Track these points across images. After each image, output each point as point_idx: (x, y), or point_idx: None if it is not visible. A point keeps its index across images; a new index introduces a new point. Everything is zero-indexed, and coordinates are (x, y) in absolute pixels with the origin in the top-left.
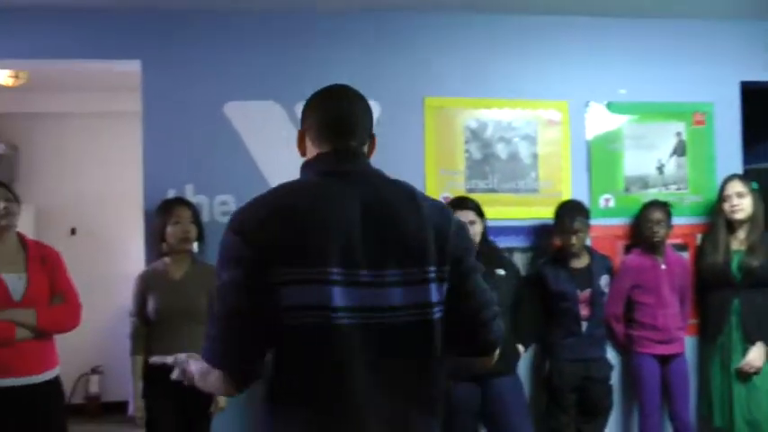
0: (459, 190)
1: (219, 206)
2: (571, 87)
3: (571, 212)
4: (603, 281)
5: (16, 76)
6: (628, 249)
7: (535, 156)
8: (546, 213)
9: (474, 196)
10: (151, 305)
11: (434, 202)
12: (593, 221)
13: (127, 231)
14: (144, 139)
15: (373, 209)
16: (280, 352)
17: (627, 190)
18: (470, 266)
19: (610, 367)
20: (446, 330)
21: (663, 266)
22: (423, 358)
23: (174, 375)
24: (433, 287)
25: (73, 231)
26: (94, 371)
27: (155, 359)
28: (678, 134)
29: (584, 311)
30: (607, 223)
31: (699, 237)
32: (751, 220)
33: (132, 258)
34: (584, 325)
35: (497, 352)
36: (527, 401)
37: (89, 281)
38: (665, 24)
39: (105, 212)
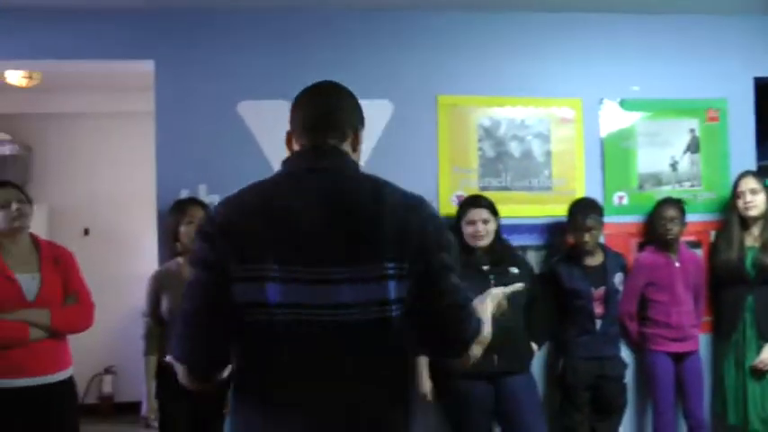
0: (473, 188)
1: None
2: (584, 85)
3: (584, 210)
4: (617, 279)
5: (30, 77)
6: (641, 247)
7: (548, 153)
8: (559, 211)
9: (487, 194)
10: (164, 305)
11: (405, 199)
12: (607, 219)
13: (140, 231)
14: (157, 139)
15: (330, 206)
16: (238, 348)
17: (640, 187)
18: (441, 264)
19: (624, 365)
20: (418, 330)
21: (677, 264)
22: (379, 356)
23: None
24: (392, 284)
25: (86, 232)
26: (108, 371)
27: (169, 359)
28: (692, 131)
29: (598, 309)
30: (621, 221)
31: (713, 234)
32: (765, 216)
33: (145, 258)
34: (599, 323)
35: (472, 353)
36: (541, 400)
37: (102, 281)
38: (678, 20)
39: (118, 213)
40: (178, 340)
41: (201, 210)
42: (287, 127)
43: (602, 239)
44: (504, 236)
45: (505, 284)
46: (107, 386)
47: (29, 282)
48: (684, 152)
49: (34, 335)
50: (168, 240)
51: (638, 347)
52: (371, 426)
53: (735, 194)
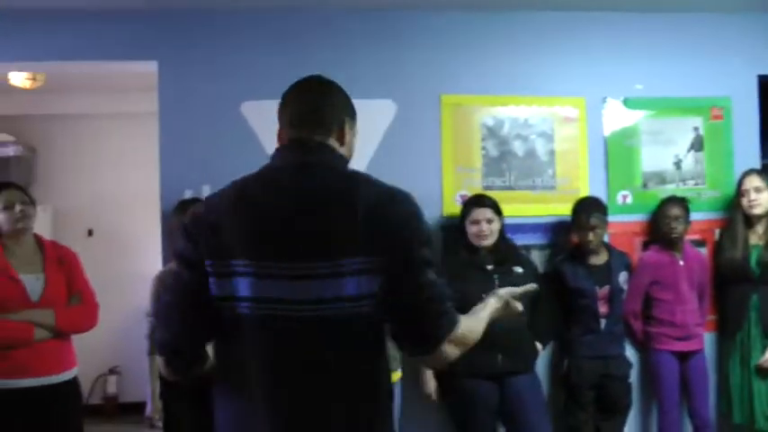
0: (477, 187)
1: None
2: (587, 83)
3: (588, 209)
4: (622, 277)
5: (34, 79)
6: (645, 246)
7: (552, 152)
8: (563, 210)
9: (491, 194)
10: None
11: (380, 194)
12: (611, 218)
13: (144, 232)
14: (160, 140)
15: (301, 202)
16: (216, 342)
17: (644, 186)
18: (415, 259)
19: (629, 365)
20: (390, 325)
21: (681, 262)
22: (346, 351)
23: None
24: (360, 280)
25: (90, 232)
26: (112, 371)
27: None
28: (695, 129)
29: (602, 308)
30: (625, 220)
31: (717, 232)
32: None
33: (149, 259)
34: (603, 322)
35: (446, 352)
36: (545, 399)
37: (106, 282)
38: (682, 19)
39: (122, 213)
40: (158, 332)
41: None
42: None
43: (606, 238)
44: (509, 235)
45: (510, 284)
46: (111, 386)
47: (33, 282)
48: (688, 150)
49: (39, 335)
50: (172, 241)
51: (643, 346)
52: (338, 423)
53: (739, 193)
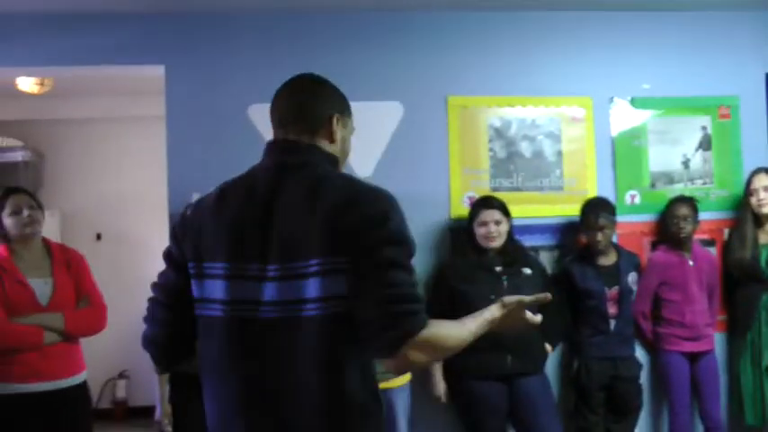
0: (484, 189)
1: None
2: (594, 83)
3: (596, 209)
4: (631, 278)
5: (42, 84)
6: (654, 246)
7: (559, 153)
8: (571, 211)
9: (499, 195)
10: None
11: (347, 194)
12: (619, 218)
13: (152, 235)
14: (168, 143)
15: (272, 203)
16: (198, 339)
17: (652, 186)
18: (378, 260)
19: (639, 366)
20: (359, 327)
21: (690, 263)
22: (308, 356)
23: None
24: (316, 282)
25: (98, 236)
26: (121, 375)
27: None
28: (703, 128)
29: (611, 309)
30: (633, 220)
31: (726, 232)
32: None
33: (158, 262)
34: (613, 323)
35: (411, 357)
36: (555, 401)
37: (116, 286)
38: (688, 17)
39: (130, 217)
40: (145, 327)
41: None
42: None
43: (614, 239)
44: (517, 236)
45: (518, 285)
46: (121, 391)
47: (42, 286)
48: (696, 150)
49: (48, 339)
50: None
51: (653, 347)
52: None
53: (748, 192)
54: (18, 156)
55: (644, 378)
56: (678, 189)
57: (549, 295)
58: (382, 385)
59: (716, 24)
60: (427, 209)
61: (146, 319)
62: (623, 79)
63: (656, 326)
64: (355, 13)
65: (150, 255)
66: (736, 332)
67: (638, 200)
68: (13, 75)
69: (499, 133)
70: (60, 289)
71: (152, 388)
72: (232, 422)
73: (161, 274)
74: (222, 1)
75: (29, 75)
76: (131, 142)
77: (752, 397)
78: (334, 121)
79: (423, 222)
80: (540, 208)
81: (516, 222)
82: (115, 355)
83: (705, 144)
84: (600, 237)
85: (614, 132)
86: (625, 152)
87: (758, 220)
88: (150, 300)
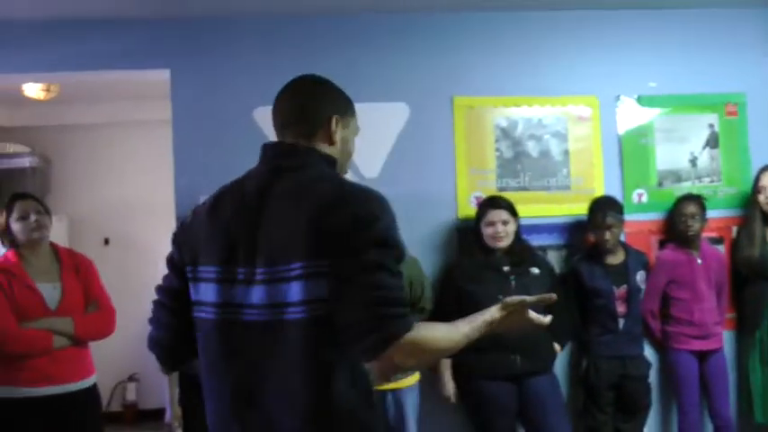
0: (491, 189)
1: None
2: (601, 82)
3: (604, 208)
4: (639, 277)
5: (48, 90)
6: (662, 244)
7: (566, 152)
8: (578, 210)
9: (506, 195)
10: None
11: (334, 196)
12: (627, 217)
13: (160, 240)
14: (174, 147)
15: (261, 207)
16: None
17: (660, 184)
18: (362, 262)
19: (648, 365)
20: (340, 331)
21: (698, 261)
22: (294, 359)
23: None
24: (299, 285)
25: (106, 241)
26: (131, 378)
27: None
28: (710, 126)
29: (620, 308)
30: (641, 218)
31: (734, 229)
32: None
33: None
34: (621, 322)
35: (397, 359)
36: (564, 400)
37: (124, 290)
38: (694, 15)
39: (138, 221)
40: (150, 329)
41: None
42: None
43: (622, 238)
44: (524, 236)
45: (526, 285)
46: (131, 394)
47: (50, 291)
48: (703, 147)
49: (58, 343)
50: None
51: (661, 346)
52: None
53: (756, 189)
54: (25, 162)
55: (653, 377)
56: (686, 187)
57: (553, 296)
58: (392, 385)
59: (722, 21)
60: (434, 209)
61: (150, 321)
62: (630, 78)
63: (664, 324)
64: (359, 15)
65: (158, 259)
66: (745, 330)
67: (645, 198)
68: (20, 81)
69: (506, 133)
70: (69, 293)
71: (162, 390)
72: (228, 422)
73: (164, 278)
74: (226, 5)
75: (35, 81)
76: (138, 147)
77: (761, 395)
78: (333, 122)
79: (430, 223)
80: (548, 207)
81: (523, 222)
82: (125, 358)
83: (712, 142)
84: (608, 235)
85: (621, 131)
86: (632, 151)
87: (766, 217)
88: (154, 302)
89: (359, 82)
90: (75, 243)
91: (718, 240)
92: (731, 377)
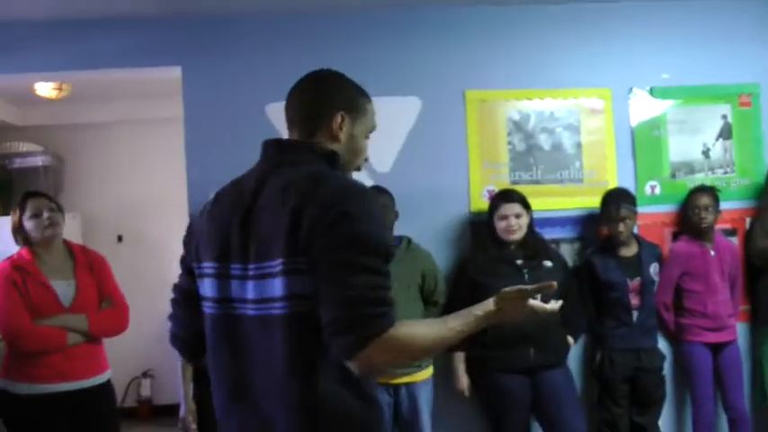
0: (504, 182)
1: None
2: (613, 74)
3: (617, 200)
4: (653, 269)
5: (60, 89)
6: (675, 236)
7: (579, 145)
8: (591, 203)
9: (518, 188)
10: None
11: (317, 193)
12: (640, 209)
13: (173, 237)
14: (186, 144)
15: (256, 201)
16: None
17: (673, 176)
18: (340, 260)
19: (662, 357)
20: (322, 329)
21: (712, 253)
22: (275, 355)
23: None
24: (281, 281)
25: (120, 239)
26: (146, 374)
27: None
28: (724, 117)
29: (634, 301)
30: (654, 210)
31: (748, 221)
32: None
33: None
34: (635, 314)
35: (377, 358)
36: (578, 393)
37: (138, 287)
38: (707, 5)
39: (151, 218)
40: (170, 325)
41: None
42: None
43: (635, 230)
44: (537, 229)
45: (539, 278)
46: (145, 389)
47: (64, 288)
48: (717, 139)
49: (72, 340)
50: None
51: (675, 339)
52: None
53: None
54: (38, 160)
55: (667, 369)
56: (699, 179)
57: (554, 284)
58: (406, 379)
59: (735, 12)
60: (447, 203)
61: (169, 318)
62: (642, 69)
63: (678, 317)
64: (372, 10)
65: (171, 256)
66: (759, 322)
67: (658, 190)
68: (32, 80)
69: (518, 126)
70: (83, 290)
71: (176, 386)
72: (228, 414)
73: (179, 276)
74: (237, 2)
75: (46, 80)
76: (150, 144)
77: None
78: (337, 119)
79: (443, 217)
80: (561, 200)
81: (536, 215)
82: (139, 354)
83: (726, 133)
84: (621, 228)
85: (634, 123)
86: (645, 142)
87: None
88: (171, 300)
89: (371, 76)
90: (89, 240)
91: (732, 232)
92: (745, 369)
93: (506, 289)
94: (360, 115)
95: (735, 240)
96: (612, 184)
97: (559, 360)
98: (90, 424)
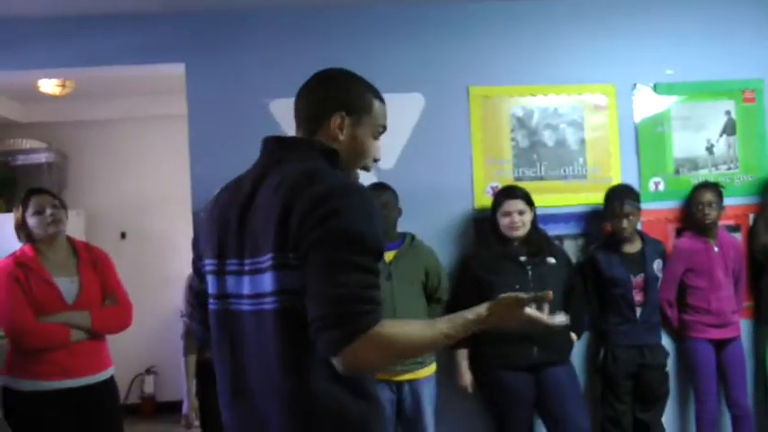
0: (507, 179)
1: None
2: (617, 70)
3: (621, 196)
4: (657, 265)
5: (63, 86)
6: (679, 233)
7: (582, 141)
8: (595, 199)
9: (522, 185)
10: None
11: (308, 191)
12: (644, 205)
13: (176, 233)
14: (190, 141)
15: (252, 198)
16: None
17: (676, 172)
18: (327, 258)
19: (665, 354)
20: (309, 325)
21: (716, 249)
22: (267, 350)
23: None
24: (270, 276)
25: (123, 235)
26: (149, 371)
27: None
28: (728, 113)
29: (637, 297)
30: (657, 207)
31: (752, 217)
32: None
33: (183, 259)
34: (639, 311)
35: (361, 356)
36: (582, 390)
37: (141, 284)
38: (711, 1)
39: (154, 215)
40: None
41: None
42: None
43: (639, 226)
44: (541, 225)
45: (542, 275)
46: (149, 386)
47: (68, 285)
48: (720, 135)
49: (75, 337)
50: None
51: (679, 335)
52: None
53: None
54: (42, 157)
55: (670, 366)
56: (703, 175)
57: (549, 293)
58: (409, 376)
59: (738, 7)
60: (450, 200)
61: (189, 316)
62: (646, 65)
63: (681, 313)
64: (374, 5)
65: (174, 253)
66: (762, 318)
67: (662, 187)
68: (35, 77)
69: (521, 123)
70: (86, 287)
71: (179, 383)
72: (229, 409)
73: (195, 277)
74: None
75: (50, 77)
76: (154, 141)
77: None
78: (336, 120)
79: (446, 213)
80: (564, 197)
81: (540, 211)
82: (142, 351)
83: (729, 129)
84: (625, 224)
85: (637, 119)
86: (648, 139)
87: None
88: (186, 300)
89: (374, 73)
90: (92, 237)
91: (736, 228)
92: (748, 365)
93: (503, 295)
94: (364, 116)
95: (738, 237)
96: (616, 181)
97: (563, 357)
98: (93, 421)
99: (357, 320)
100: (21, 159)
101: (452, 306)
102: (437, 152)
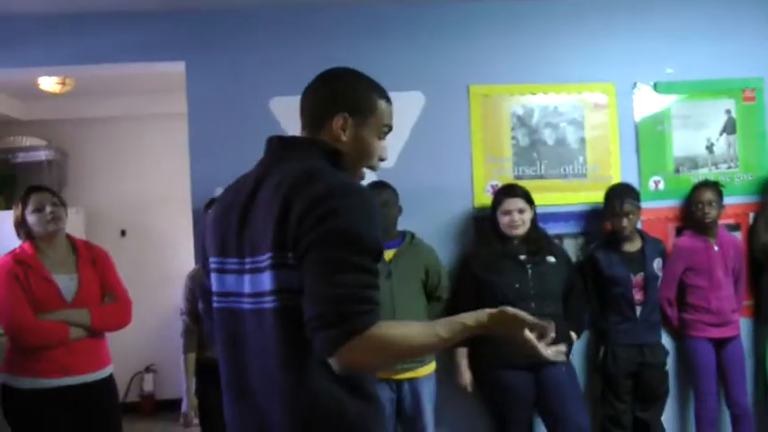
0: (507, 177)
1: None
2: (617, 69)
3: (621, 195)
4: (656, 264)
5: (63, 83)
6: (679, 231)
7: (582, 140)
8: (595, 198)
9: (522, 183)
10: (202, 303)
11: (308, 190)
12: (644, 204)
13: (176, 231)
14: (190, 139)
15: (253, 197)
16: None
17: (676, 171)
18: (325, 257)
19: (665, 353)
20: (305, 325)
21: (715, 248)
22: (267, 348)
23: None
24: (269, 275)
25: (123, 233)
26: (148, 369)
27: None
28: (728, 111)
29: (637, 296)
30: (657, 206)
31: (751, 216)
32: None
33: (182, 258)
34: (639, 310)
35: (357, 357)
36: (582, 389)
37: (140, 281)
38: (711, 0)
39: (154, 213)
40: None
41: None
42: None
43: (639, 225)
44: (541, 224)
45: (542, 273)
46: (148, 384)
47: (67, 283)
48: (720, 134)
49: (74, 334)
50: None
51: (678, 334)
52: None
53: None
54: (42, 155)
55: (670, 365)
56: (702, 174)
57: (553, 326)
58: (409, 375)
59: (739, 6)
60: (451, 198)
61: (204, 314)
62: (646, 64)
63: (681, 312)
64: (375, 4)
65: (174, 250)
66: (762, 317)
67: (662, 185)
68: (35, 75)
69: (522, 121)
70: (85, 285)
71: (179, 381)
72: (231, 407)
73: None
74: None
75: (50, 74)
76: (154, 139)
77: None
78: (339, 121)
79: (446, 212)
80: (564, 195)
81: (540, 210)
82: (142, 349)
83: (729, 128)
84: (625, 222)
85: (637, 118)
86: (649, 137)
87: None
88: (186, 298)
89: (374, 71)
90: (92, 235)
91: (736, 227)
92: (748, 365)
93: (509, 309)
94: (368, 116)
95: (738, 235)
96: (616, 179)
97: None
98: (92, 419)
99: (354, 320)
100: (21, 157)
101: (452, 304)
102: (437, 150)
